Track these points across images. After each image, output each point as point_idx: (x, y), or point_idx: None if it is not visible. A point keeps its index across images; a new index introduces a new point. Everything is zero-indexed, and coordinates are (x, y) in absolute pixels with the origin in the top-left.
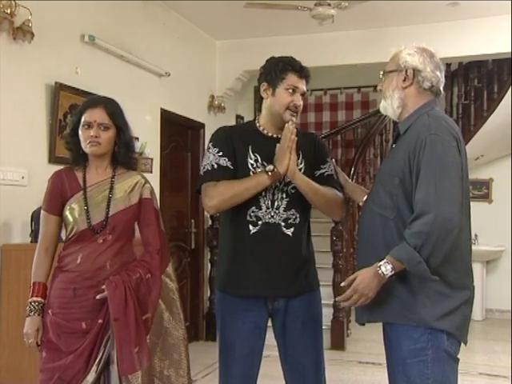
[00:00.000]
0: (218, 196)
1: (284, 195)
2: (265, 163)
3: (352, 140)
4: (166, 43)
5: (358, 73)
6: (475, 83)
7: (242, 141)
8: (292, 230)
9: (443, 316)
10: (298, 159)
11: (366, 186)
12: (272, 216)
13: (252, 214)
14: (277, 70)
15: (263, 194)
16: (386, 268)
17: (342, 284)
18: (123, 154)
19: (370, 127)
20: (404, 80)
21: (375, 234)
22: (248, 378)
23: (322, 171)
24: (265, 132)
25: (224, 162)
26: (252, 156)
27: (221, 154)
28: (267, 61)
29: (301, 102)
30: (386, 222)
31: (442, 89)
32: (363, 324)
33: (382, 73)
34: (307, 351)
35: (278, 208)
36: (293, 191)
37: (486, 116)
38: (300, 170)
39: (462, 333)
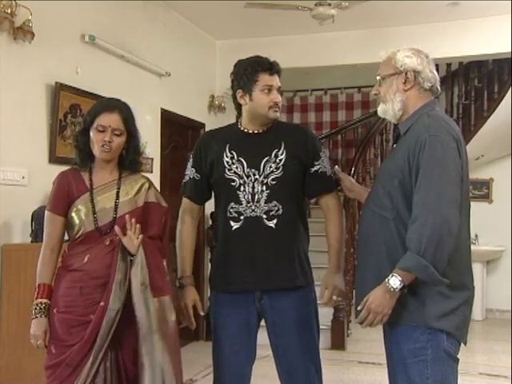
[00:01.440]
0: (178, 224)
1: (264, 187)
2: (241, 159)
3: (352, 140)
4: (167, 43)
5: (358, 73)
6: (475, 83)
7: (220, 141)
8: (275, 221)
9: (443, 316)
10: (279, 150)
11: (367, 186)
12: (253, 210)
13: (232, 210)
14: (247, 73)
15: (242, 188)
16: (394, 282)
17: (359, 308)
18: (131, 159)
19: (371, 127)
20: (404, 82)
21: (375, 235)
22: (240, 376)
23: (315, 168)
24: (245, 130)
25: (192, 173)
26: (228, 154)
27: (192, 164)
28: (235, 66)
29: (279, 98)
30: (386, 222)
31: (439, 87)
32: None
33: (378, 77)
34: (298, 352)
35: (258, 201)
36: (273, 182)
37: (486, 116)
38: (280, 160)
39: (462, 333)
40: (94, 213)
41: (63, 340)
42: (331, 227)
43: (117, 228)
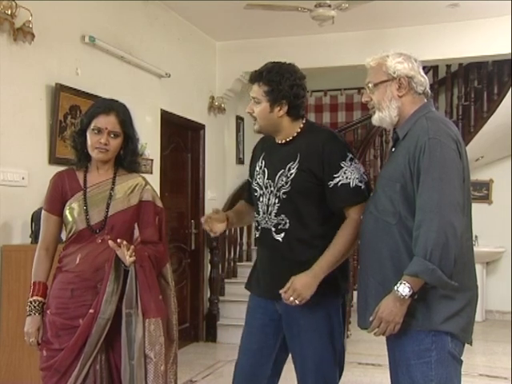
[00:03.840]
0: None
1: (276, 200)
2: (265, 169)
3: (352, 141)
4: (167, 44)
5: (358, 74)
6: (475, 84)
7: (261, 148)
8: (282, 235)
9: (448, 318)
10: (293, 163)
11: None
12: (266, 221)
13: (255, 218)
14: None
15: (261, 199)
16: (403, 289)
17: (371, 318)
18: (128, 160)
19: (370, 128)
20: (398, 89)
21: (378, 240)
22: (254, 375)
23: (335, 181)
24: (276, 140)
25: (248, 175)
26: (260, 163)
27: (249, 168)
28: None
29: (248, 109)
30: (389, 228)
31: (429, 90)
32: (366, 328)
33: (370, 85)
34: (306, 360)
35: (270, 213)
36: (284, 196)
37: (486, 117)
38: (291, 174)
39: (467, 334)
40: (86, 211)
41: (51, 343)
42: (339, 237)
43: (111, 242)
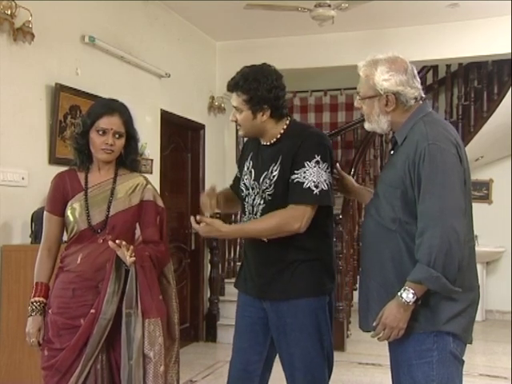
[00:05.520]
0: None
1: (262, 201)
2: (252, 170)
3: (352, 141)
4: (167, 44)
5: (357, 74)
6: (475, 84)
7: (249, 148)
8: None
9: (450, 319)
10: (275, 165)
11: (367, 187)
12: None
13: (242, 219)
14: None
15: (246, 200)
16: (407, 296)
17: (374, 324)
18: (130, 160)
19: None
20: (386, 105)
21: (379, 244)
22: (246, 373)
23: (293, 177)
24: (262, 142)
25: (237, 169)
26: (248, 163)
27: (237, 160)
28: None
29: (232, 118)
30: (390, 232)
31: (423, 94)
32: (368, 331)
33: (358, 98)
34: (294, 359)
35: (256, 213)
36: (270, 198)
37: (486, 117)
38: (274, 177)
39: (468, 334)
40: (88, 211)
41: (52, 342)
42: (264, 220)
43: (111, 243)
